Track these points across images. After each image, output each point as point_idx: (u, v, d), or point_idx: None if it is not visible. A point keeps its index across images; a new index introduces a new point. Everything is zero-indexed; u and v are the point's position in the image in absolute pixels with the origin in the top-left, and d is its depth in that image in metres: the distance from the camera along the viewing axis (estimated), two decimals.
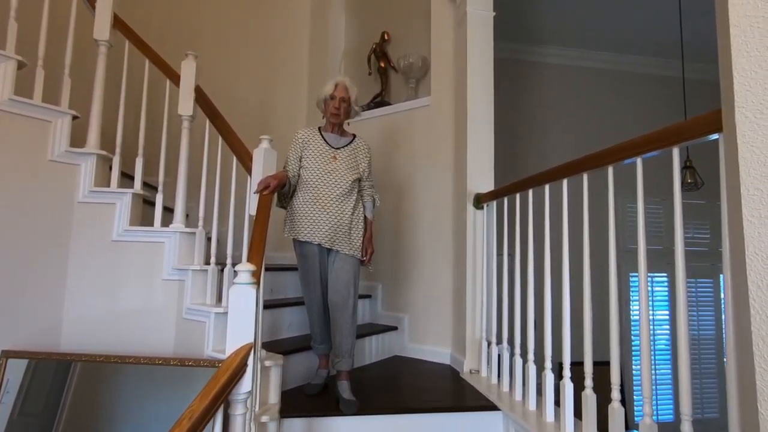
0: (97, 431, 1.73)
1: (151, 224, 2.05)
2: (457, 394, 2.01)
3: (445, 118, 2.73)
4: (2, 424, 1.77)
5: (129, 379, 1.79)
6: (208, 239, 2.15)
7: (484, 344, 2.20)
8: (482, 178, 2.43)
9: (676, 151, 1.15)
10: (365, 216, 2.05)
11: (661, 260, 4.23)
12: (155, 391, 1.76)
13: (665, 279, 4.37)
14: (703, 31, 3.85)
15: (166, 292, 2.00)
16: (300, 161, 1.97)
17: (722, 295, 4.50)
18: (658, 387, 4.16)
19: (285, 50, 3.56)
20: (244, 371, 1.20)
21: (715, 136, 1.02)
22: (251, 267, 1.29)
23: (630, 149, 1.27)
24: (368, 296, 2.92)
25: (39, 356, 1.81)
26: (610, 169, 1.39)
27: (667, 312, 4.36)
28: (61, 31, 2.09)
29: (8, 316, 1.82)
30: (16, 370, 1.82)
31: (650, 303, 4.34)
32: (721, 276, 4.54)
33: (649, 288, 4.31)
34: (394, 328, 2.75)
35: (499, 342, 2.07)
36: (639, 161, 1.26)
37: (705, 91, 3.72)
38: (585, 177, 1.51)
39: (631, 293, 4.30)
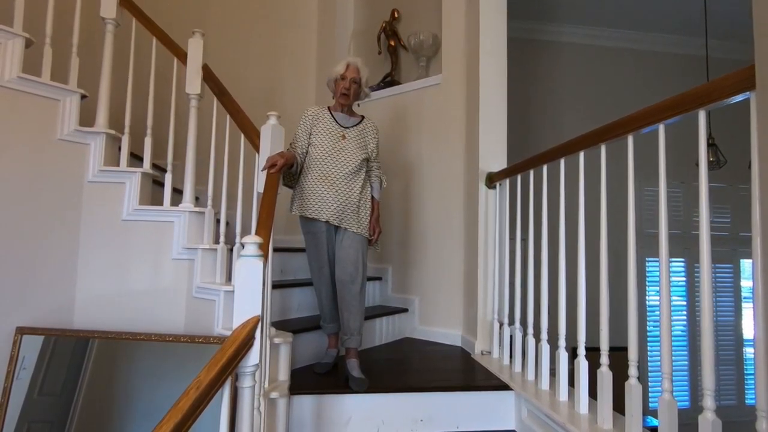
0: (113, 410, 1.76)
1: (161, 204, 2.05)
2: (469, 374, 1.99)
3: (457, 97, 2.67)
4: (20, 398, 1.80)
5: (143, 358, 1.80)
6: (217, 220, 2.14)
7: (496, 325, 2.17)
8: (494, 157, 2.37)
9: (702, 114, 1.08)
10: (372, 196, 2.03)
11: (679, 245, 4.13)
12: (169, 369, 1.78)
13: (682, 264, 4.26)
14: (728, 6, 3.69)
15: (176, 271, 2.00)
16: (309, 138, 1.95)
17: (741, 282, 4.40)
18: (673, 374, 4.09)
19: (293, 30, 3.51)
20: (252, 344, 1.18)
21: (745, 95, 0.96)
22: (258, 239, 1.27)
23: (652, 115, 1.20)
24: (378, 278, 2.90)
25: (52, 333, 1.83)
26: (630, 139, 1.32)
27: (684, 299, 4.26)
28: (68, 9, 2.08)
29: (21, 293, 1.84)
30: (32, 347, 1.84)
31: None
32: (741, 261, 4.42)
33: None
34: (405, 310, 2.73)
35: (511, 323, 2.03)
36: (661, 128, 1.20)
37: (730, 71, 3.57)
38: (603, 148, 1.44)
39: (647, 279, 4.20)
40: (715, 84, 1.02)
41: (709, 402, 1.02)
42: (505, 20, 2.46)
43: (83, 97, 2.03)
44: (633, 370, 1.26)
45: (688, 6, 3.81)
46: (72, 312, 1.96)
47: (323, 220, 1.87)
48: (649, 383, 4.02)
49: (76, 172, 1.99)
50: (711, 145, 3.00)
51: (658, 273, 1.19)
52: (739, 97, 0.98)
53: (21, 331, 1.83)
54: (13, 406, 1.78)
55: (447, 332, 2.60)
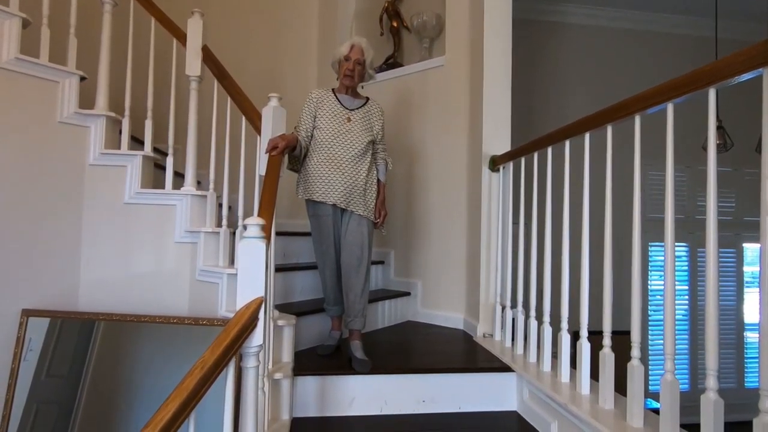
0: (119, 390, 1.78)
1: (163, 188, 2.04)
2: (471, 356, 2.00)
3: (460, 79, 2.63)
4: (27, 380, 1.83)
5: (148, 340, 1.82)
6: (220, 204, 2.14)
7: (498, 308, 2.17)
8: (498, 140, 2.34)
9: (712, 93, 1.06)
10: (378, 179, 2.02)
11: (682, 229, 4.11)
12: (174, 351, 1.79)
13: (685, 249, 4.24)
14: None
15: (179, 254, 2.00)
16: (314, 121, 1.92)
17: (743, 267, 4.39)
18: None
19: (294, 12, 3.44)
20: (255, 324, 1.19)
21: (758, 72, 0.94)
22: (260, 221, 1.26)
23: (661, 94, 1.18)
24: (381, 262, 2.91)
25: (58, 315, 1.85)
26: (637, 119, 1.30)
27: (686, 284, 4.25)
28: None
29: (26, 276, 1.85)
30: (38, 329, 1.86)
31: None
32: (744, 246, 4.41)
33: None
34: (407, 294, 2.74)
35: (513, 306, 2.03)
36: (670, 107, 1.18)
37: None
38: (609, 129, 1.42)
39: (650, 264, 4.19)
40: (727, 61, 0.99)
41: (711, 382, 1.02)
42: (510, 0, 2.41)
43: (82, 79, 2.00)
44: (636, 351, 1.26)
45: None
46: (77, 294, 1.97)
47: (330, 203, 1.86)
48: (650, 368, 4.05)
49: (77, 156, 1.98)
50: (719, 127, 2.96)
51: (661, 258, 1.19)
52: (751, 74, 0.96)
53: (27, 313, 1.84)
54: (21, 388, 1.80)
55: (449, 315, 2.61)
